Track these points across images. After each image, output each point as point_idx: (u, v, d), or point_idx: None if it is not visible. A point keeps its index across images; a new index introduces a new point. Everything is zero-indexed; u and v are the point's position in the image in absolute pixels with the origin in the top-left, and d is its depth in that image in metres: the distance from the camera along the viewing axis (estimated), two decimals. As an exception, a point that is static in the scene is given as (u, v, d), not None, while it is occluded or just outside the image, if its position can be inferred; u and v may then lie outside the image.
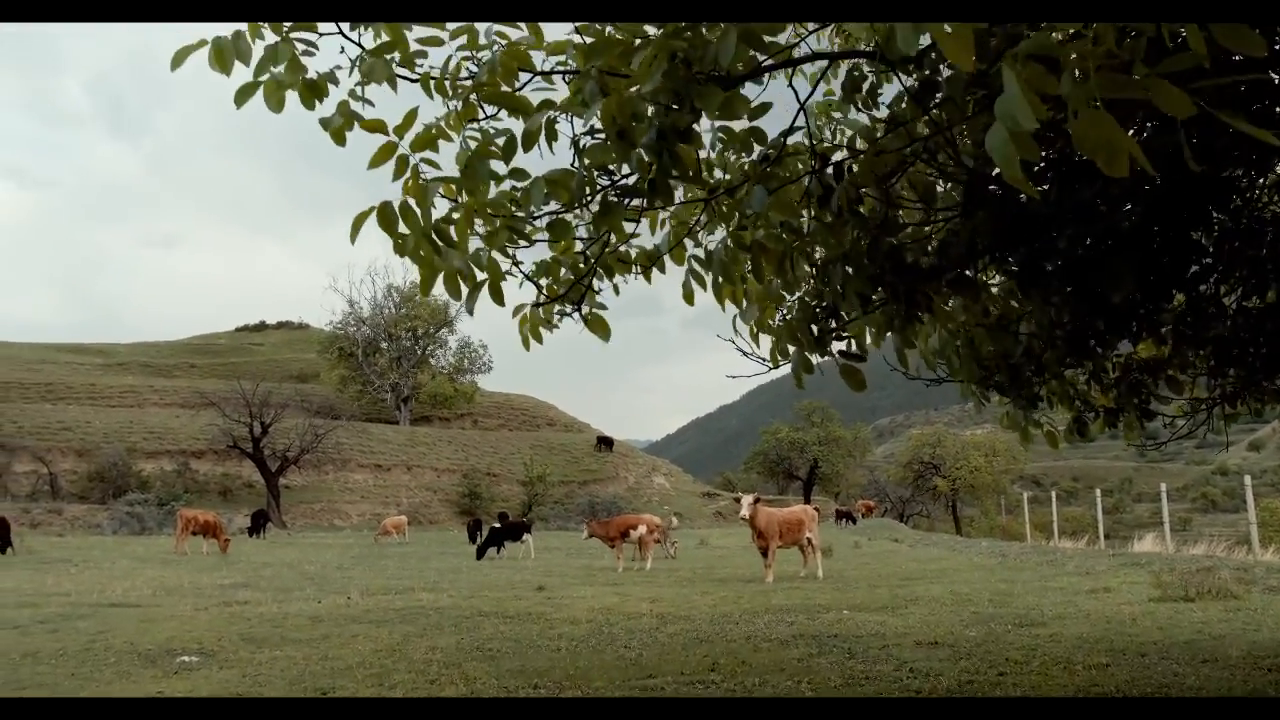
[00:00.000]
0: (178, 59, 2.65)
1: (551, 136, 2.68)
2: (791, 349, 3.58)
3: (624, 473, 56.20)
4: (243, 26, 2.56)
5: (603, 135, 2.68)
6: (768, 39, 2.42)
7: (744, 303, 3.85)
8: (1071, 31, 1.82)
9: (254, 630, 9.02)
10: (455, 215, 2.82)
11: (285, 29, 2.57)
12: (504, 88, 2.65)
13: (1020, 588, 12.11)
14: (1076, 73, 1.48)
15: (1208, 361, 5.02)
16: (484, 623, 9.52)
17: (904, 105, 3.03)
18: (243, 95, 2.64)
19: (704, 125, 3.23)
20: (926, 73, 2.81)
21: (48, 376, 60.60)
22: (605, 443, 59.26)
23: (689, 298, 3.70)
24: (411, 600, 11.86)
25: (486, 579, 15.45)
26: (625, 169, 2.86)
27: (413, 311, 61.59)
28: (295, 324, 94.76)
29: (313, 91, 2.66)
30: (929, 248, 3.47)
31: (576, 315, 3.38)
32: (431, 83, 2.74)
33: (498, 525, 22.74)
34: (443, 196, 2.83)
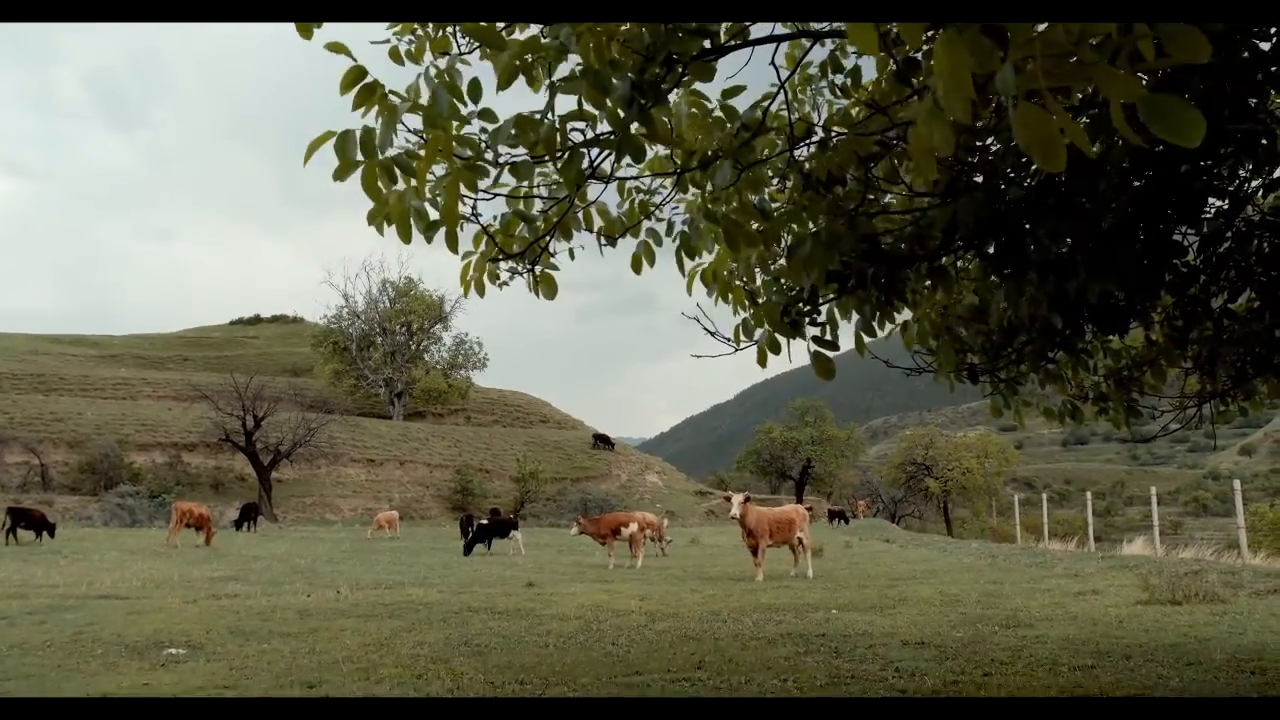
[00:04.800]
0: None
1: (529, 80, 2.66)
2: (759, 330, 3.57)
3: (617, 470, 56.19)
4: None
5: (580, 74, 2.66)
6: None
7: (711, 281, 3.84)
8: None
9: (242, 623, 9.00)
10: (420, 151, 2.78)
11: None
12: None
13: (1009, 589, 12.13)
14: (1013, 65, 1.43)
15: (1198, 359, 5.03)
16: (473, 618, 9.51)
17: (885, 86, 3.01)
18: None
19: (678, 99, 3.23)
20: (910, 52, 2.76)
21: (40, 367, 60.43)
22: (603, 441, 59.18)
23: (637, 267, 3.67)
24: (401, 595, 11.85)
25: (477, 575, 15.44)
26: (598, 125, 2.85)
27: (408, 306, 61.46)
28: (289, 318, 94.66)
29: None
30: (906, 232, 3.45)
31: (529, 275, 3.36)
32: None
33: (484, 521, 22.78)
34: (407, 130, 2.80)
